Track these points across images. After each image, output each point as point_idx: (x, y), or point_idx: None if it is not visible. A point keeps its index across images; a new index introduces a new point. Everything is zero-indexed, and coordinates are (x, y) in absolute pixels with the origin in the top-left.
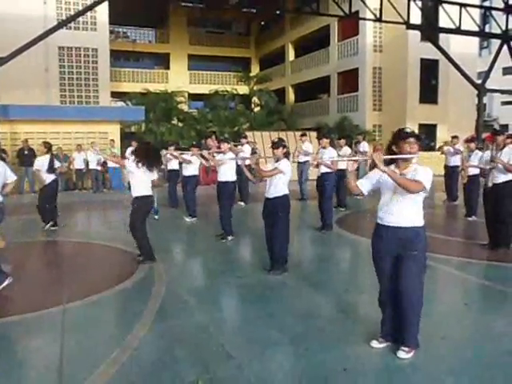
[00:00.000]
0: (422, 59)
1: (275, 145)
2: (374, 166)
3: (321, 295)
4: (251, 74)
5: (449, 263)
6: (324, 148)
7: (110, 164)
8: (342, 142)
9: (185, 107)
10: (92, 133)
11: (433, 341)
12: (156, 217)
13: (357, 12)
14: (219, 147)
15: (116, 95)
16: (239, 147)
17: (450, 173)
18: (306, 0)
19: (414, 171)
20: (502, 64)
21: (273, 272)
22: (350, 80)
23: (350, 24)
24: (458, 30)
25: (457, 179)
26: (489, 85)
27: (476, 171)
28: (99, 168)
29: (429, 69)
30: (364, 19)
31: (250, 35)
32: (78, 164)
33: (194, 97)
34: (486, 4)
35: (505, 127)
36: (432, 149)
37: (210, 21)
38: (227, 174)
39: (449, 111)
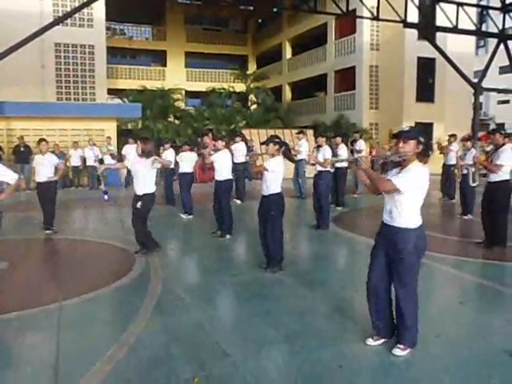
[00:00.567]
0: (418, 58)
1: (266, 141)
2: (382, 167)
3: (317, 293)
4: (248, 72)
5: (444, 262)
6: (320, 146)
7: (107, 161)
8: (338, 140)
9: (181, 105)
10: (88, 130)
11: (428, 339)
12: (106, 197)
13: (354, 10)
14: (215, 145)
15: (112, 92)
16: (234, 145)
17: (448, 172)
18: None
19: (404, 170)
20: (498, 63)
21: (269, 270)
22: (346, 78)
23: (348, 22)
24: (455, 29)
25: (454, 178)
26: (485, 84)
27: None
28: (96, 165)
29: (426, 67)
30: (361, 17)
31: (247, 33)
32: (75, 161)
33: (190, 94)
34: (483, 3)
35: (501, 126)
36: None
37: (206, 18)
38: (224, 172)
39: (445, 110)
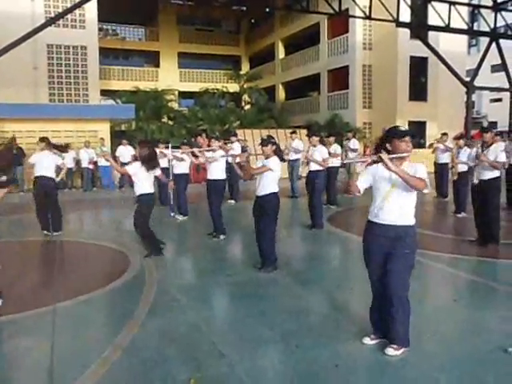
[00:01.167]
0: (411, 57)
1: (264, 142)
2: (374, 162)
3: (312, 292)
4: (241, 72)
5: (438, 259)
6: (314, 146)
7: (101, 163)
8: (331, 139)
9: (175, 105)
10: (82, 131)
11: (423, 337)
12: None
13: (346, 10)
14: (209, 145)
15: (106, 93)
16: (229, 145)
17: (440, 170)
18: None
19: (410, 167)
20: (490, 62)
21: (263, 270)
22: (340, 78)
23: (340, 22)
24: (447, 28)
25: (447, 176)
26: (477, 82)
27: (464, 168)
28: (91, 166)
29: (418, 66)
30: (354, 17)
31: (240, 33)
32: (68, 163)
33: (184, 95)
34: (475, 2)
35: (493, 124)
36: (422, 146)
37: (199, 19)
38: (217, 171)
39: (438, 108)
